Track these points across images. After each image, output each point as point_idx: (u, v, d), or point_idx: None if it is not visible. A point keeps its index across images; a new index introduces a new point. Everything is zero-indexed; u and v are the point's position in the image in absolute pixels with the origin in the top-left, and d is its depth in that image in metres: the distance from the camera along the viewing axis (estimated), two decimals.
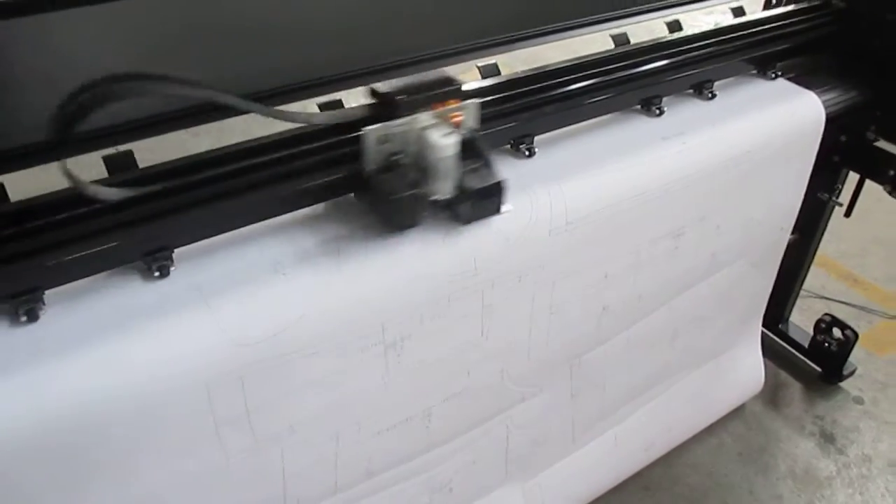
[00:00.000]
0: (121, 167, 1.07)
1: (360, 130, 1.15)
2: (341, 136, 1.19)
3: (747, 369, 2.31)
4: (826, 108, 1.75)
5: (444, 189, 1.19)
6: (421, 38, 1.40)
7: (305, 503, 1.35)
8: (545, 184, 1.37)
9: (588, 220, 1.44)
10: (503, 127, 1.38)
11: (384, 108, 1.18)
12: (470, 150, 1.22)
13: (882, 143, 1.99)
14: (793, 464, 2.15)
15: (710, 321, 2.04)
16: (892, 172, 1.93)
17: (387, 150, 1.18)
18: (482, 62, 1.42)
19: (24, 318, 0.99)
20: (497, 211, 1.28)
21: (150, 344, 1.03)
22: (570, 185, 1.39)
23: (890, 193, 1.96)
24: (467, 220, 1.26)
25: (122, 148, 1.08)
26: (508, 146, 1.42)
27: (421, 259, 1.24)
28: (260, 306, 1.11)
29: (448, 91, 1.21)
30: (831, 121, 1.78)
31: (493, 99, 1.35)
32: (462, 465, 1.63)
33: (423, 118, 1.18)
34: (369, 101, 1.21)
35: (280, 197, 1.18)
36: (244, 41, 1.21)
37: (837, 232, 2.57)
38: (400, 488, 1.52)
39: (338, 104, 1.26)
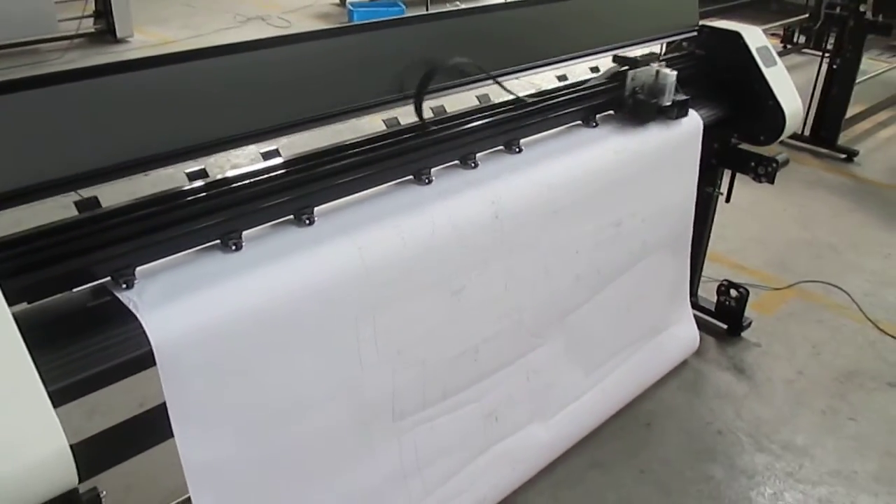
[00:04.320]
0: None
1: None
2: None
3: (686, 334, 2.99)
4: (703, 120, 2.52)
5: (667, 99, 2.31)
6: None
7: (404, 415, 1.93)
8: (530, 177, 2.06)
9: (568, 208, 2.13)
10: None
11: (631, 64, 2.34)
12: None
13: (744, 146, 2.79)
14: (717, 388, 2.85)
15: (649, 297, 2.71)
16: (752, 164, 2.72)
17: (632, 85, 2.33)
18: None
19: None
20: (686, 114, 2.41)
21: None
22: (552, 177, 2.09)
23: (753, 179, 2.74)
24: (677, 116, 2.39)
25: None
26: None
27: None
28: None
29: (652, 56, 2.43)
30: (706, 131, 2.55)
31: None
32: (502, 398, 2.21)
33: (656, 66, 2.35)
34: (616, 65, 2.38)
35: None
36: None
37: (723, 235, 3.30)
38: (464, 411, 2.09)
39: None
